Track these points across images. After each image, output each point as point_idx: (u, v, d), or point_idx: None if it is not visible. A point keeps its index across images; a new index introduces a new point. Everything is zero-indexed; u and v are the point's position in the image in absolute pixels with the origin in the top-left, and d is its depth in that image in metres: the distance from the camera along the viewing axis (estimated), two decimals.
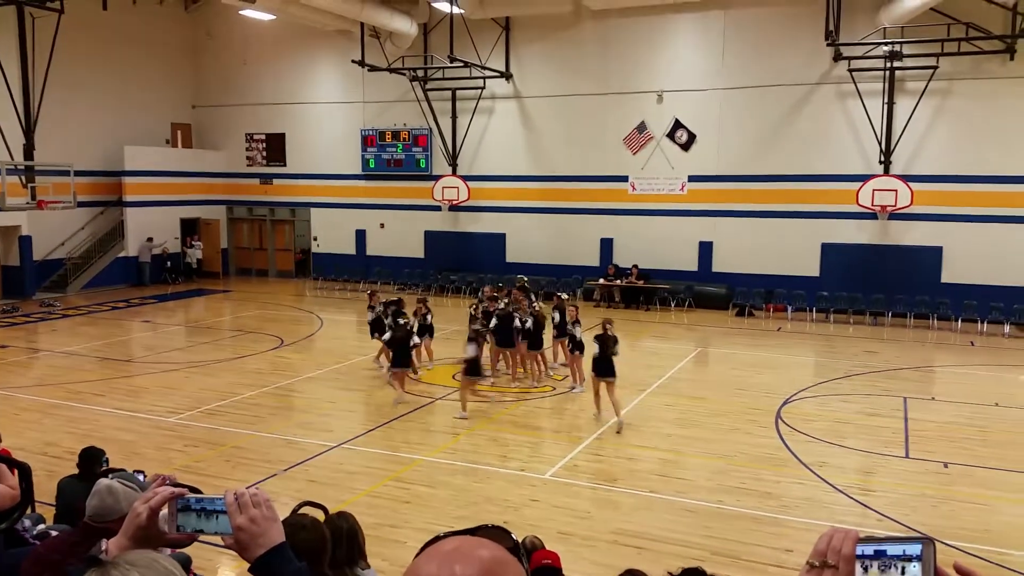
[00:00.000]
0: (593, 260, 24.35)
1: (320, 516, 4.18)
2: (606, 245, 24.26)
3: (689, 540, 7.85)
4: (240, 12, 23.95)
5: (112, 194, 26.43)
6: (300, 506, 4.62)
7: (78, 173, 20.54)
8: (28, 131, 18.71)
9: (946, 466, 10.05)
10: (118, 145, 26.13)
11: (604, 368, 11.88)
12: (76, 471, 6.54)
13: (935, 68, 20.00)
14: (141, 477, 4.02)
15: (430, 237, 26.66)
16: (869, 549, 1.43)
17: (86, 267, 25.71)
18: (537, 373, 14.45)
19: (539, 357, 14.49)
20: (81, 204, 22.19)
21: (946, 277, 20.78)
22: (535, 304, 15.14)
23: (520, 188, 25.24)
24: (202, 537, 1.81)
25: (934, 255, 20.92)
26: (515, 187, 25.32)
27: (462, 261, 25.95)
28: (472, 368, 12.37)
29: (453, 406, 12.95)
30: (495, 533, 1.50)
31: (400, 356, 13.04)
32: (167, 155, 28.09)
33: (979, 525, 8.36)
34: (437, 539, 1.42)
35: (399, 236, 27.05)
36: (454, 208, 25.89)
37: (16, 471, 4.65)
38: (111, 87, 26.31)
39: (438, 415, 12.43)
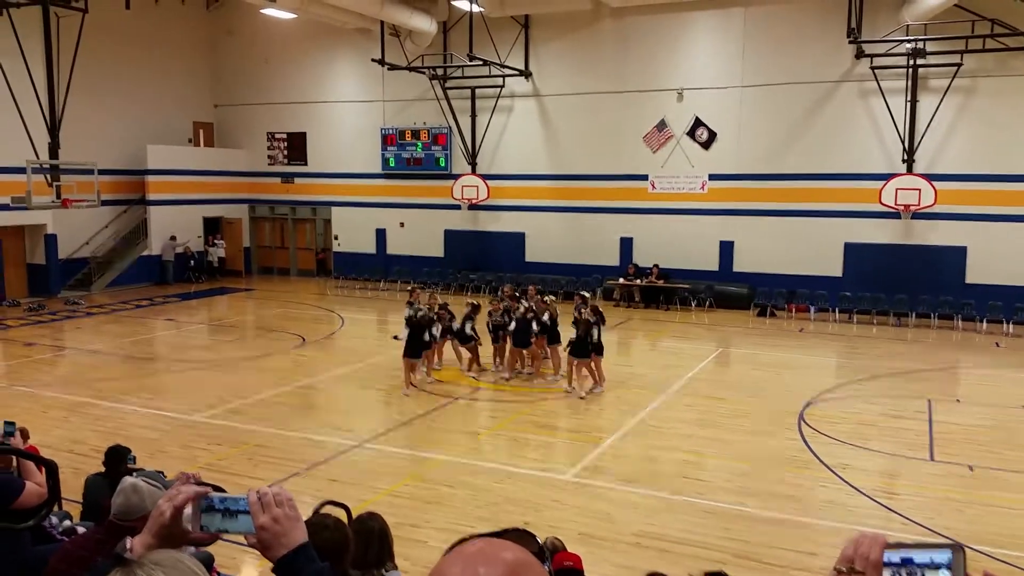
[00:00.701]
0: (613, 259, 24.28)
1: (342, 515, 4.20)
2: (626, 244, 24.18)
3: (711, 542, 7.81)
4: (261, 11, 24.13)
5: (135, 193, 26.69)
6: (322, 505, 4.64)
7: (102, 172, 20.73)
8: (53, 130, 18.91)
9: (972, 469, 9.94)
10: (141, 144, 26.38)
11: (580, 350, 13.21)
12: (101, 468, 6.61)
13: (959, 65, 19.77)
14: (162, 476, 4.05)
15: (450, 236, 26.70)
16: (896, 556, 1.41)
17: (110, 265, 25.99)
18: (559, 365, 14.41)
19: (559, 350, 14.40)
20: (105, 203, 22.40)
21: (971, 277, 20.54)
22: (546, 299, 15.26)
23: (540, 187, 25.23)
24: (225, 536, 1.82)
25: (958, 255, 20.68)
26: (535, 186, 25.31)
27: (481, 260, 25.97)
28: (410, 350, 13.33)
29: (473, 406, 12.99)
30: (520, 536, 1.49)
31: (413, 346, 13.39)
32: (189, 154, 28.33)
33: (1006, 530, 8.25)
34: (462, 541, 1.42)
35: (419, 235, 27.11)
36: (473, 207, 25.91)
37: (43, 468, 4.70)
38: (134, 86, 26.55)
39: (458, 415, 12.45)
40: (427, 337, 13.71)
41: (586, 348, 13.25)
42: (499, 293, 16.66)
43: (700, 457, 10.43)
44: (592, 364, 13.63)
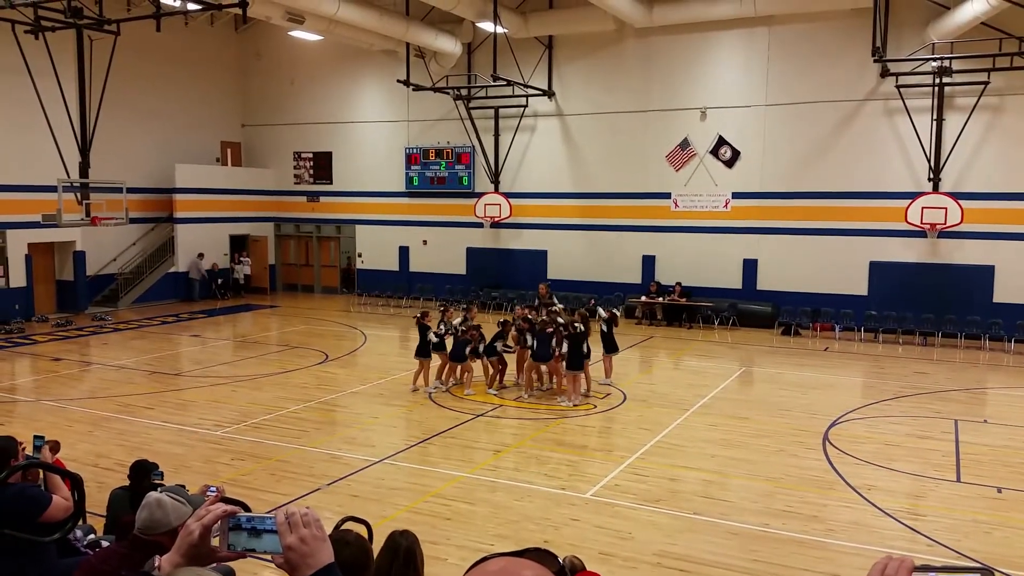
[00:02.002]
0: (635, 277, 24.23)
1: (363, 531, 4.22)
2: (648, 262, 24.13)
3: (734, 564, 7.73)
4: (288, 33, 24.44)
5: (163, 211, 27.07)
6: (343, 521, 4.67)
7: (130, 190, 21.04)
8: (84, 149, 19.22)
9: (1000, 491, 9.78)
10: (169, 163, 26.78)
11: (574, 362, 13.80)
12: (126, 482, 6.67)
13: (986, 83, 19.62)
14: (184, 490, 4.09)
15: (472, 254, 26.79)
16: None
17: (137, 282, 26.32)
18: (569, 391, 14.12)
19: (581, 377, 14.25)
20: (133, 221, 22.72)
21: (999, 297, 20.28)
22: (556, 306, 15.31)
23: (562, 205, 25.28)
24: (252, 555, 1.84)
25: (986, 274, 20.44)
26: (557, 204, 25.36)
27: (503, 277, 26.01)
28: (419, 351, 14.73)
29: (493, 423, 12.98)
30: (541, 556, 1.50)
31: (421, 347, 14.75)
32: (217, 173, 28.69)
33: None
34: (483, 560, 1.43)
35: (441, 253, 27.24)
36: (496, 225, 26.00)
37: (69, 482, 4.77)
38: (164, 106, 27.01)
39: (479, 432, 12.45)
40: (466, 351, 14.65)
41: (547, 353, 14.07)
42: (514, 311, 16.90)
43: (723, 477, 10.35)
44: (550, 368, 14.43)
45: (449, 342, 14.93)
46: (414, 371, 14.95)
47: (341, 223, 29.33)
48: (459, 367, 14.84)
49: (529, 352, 14.44)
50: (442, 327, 14.85)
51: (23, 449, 5.31)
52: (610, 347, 15.29)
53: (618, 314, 16.34)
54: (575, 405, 13.78)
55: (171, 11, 18.84)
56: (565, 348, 13.86)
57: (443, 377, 15.02)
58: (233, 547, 1.81)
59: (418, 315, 15.04)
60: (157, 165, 26.64)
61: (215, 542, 1.83)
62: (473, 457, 11.13)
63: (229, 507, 1.85)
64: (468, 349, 14.62)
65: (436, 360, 14.97)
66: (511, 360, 15.27)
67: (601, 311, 15.76)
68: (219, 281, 27.87)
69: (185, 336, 21.08)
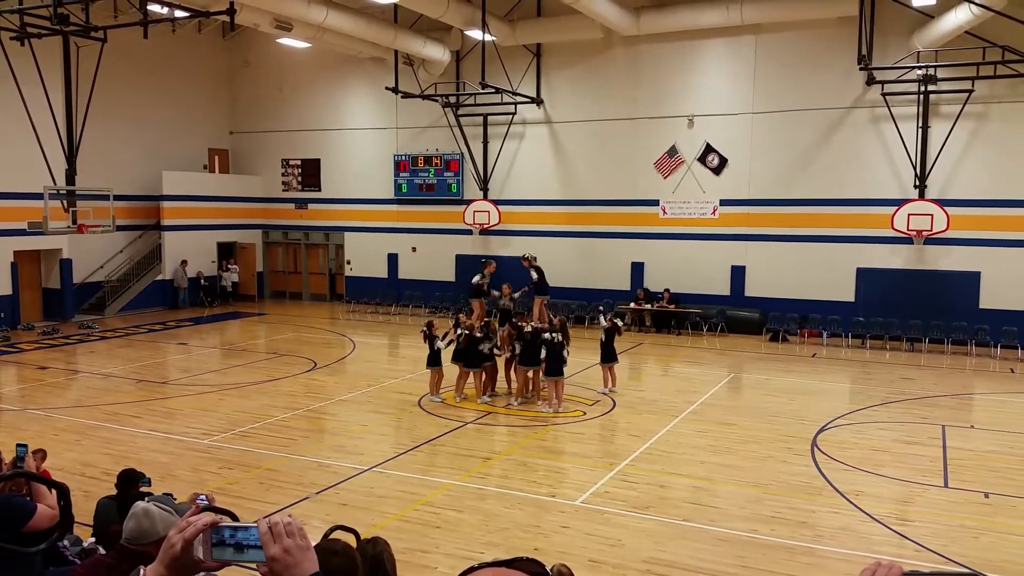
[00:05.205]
0: (624, 284, 24.27)
1: (352, 540, 4.19)
2: (637, 269, 24.19)
3: (723, 570, 7.74)
4: (277, 40, 24.43)
5: (150, 218, 26.94)
6: (331, 530, 4.64)
7: (117, 198, 20.91)
8: (70, 157, 19.13)
9: (987, 496, 9.84)
10: (157, 170, 26.67)
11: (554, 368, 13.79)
12: (112, 491, 6.63)
13: (970, 91, 19.78)
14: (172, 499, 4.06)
15: (461, 261, 26.76)
16: None
17: (124, 290, 26.16)
18: (552, 399, 14.01)
19: (561, 383, 14.15)
20: (120, 228, 22.60)
21: (984, 303, 20.42)
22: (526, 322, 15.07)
23: (551, 212, 25.31)
24: (237, 563, 1.83)
25: (972, 280, 20.57)
26: (546, 211, 25.40)
27: (493, 285, 25.91)
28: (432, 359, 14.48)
29: (483, 431, 12.96)
30: (529, 565, 1.50)
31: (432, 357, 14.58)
32: (204, 180, 28.59)
33: (1021, 558, 8.14)
34: (471, 570, 1.43)
35: (430, 260, 27.21)
36: (485, 232, 26.01)
37: (55, 491, 4.73)
38: (151, 113, 26.91)
39: (468, 439, 12.42)
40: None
41: (535, 358, 13.97)
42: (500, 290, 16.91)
43: (712, 483, 10.36)
44: (533, 375, 14.44)
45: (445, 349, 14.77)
46: (428, 381, 14.69)
47: (329, 230, 29.27)
48: (471, 373, 14.55)
49: (518, 359, 14.42)
50: (456, 332, 14.57)
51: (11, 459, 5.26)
52: (607, 357, 15.23)
53: (620, 324, 15.94)
54: (555, 412, 13.75)
55: (158, 18, 18.80)
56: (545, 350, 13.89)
57: (456, 387, 14.72)
58: (217, 558, 1.80)
59: (424, 328, 14.79)
60: (144, 172, 26.51)
61: (199, 553, 1.82)
62: (463, 465, 11.10)
63: (212, 517, 1.84)
64: (489, 348, 14.44)
65: (454, 369, 14.67)
66: (504, 366, 15.19)
67: (602, 319, 15.62)
68: (200, 293, 27.65)
69: (172, 344, 20.97)
